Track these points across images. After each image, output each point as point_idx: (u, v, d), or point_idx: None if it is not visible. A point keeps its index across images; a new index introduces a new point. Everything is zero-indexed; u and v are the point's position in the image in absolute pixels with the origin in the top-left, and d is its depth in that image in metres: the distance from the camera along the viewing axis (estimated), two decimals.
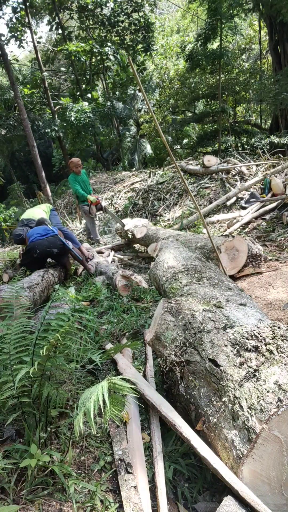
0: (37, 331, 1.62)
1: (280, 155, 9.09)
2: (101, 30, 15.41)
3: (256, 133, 14.18)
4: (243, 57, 17.01)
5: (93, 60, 16.06)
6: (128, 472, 1.50)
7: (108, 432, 1.78)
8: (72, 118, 12.78)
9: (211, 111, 15.82)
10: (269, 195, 6.68)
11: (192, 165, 9.58)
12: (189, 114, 18.92)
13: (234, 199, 7.21)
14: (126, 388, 1.27)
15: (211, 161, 8.63)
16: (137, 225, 6.08)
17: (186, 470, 1.59)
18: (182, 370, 1.74)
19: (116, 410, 1.33)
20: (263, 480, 1.23)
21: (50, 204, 6.17)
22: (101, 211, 7.02)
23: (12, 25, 14.49)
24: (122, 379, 1.27)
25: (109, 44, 14.94)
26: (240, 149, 11.56)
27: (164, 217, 8.30)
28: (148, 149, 18.71)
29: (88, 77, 16.74)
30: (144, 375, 2.24)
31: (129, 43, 15.32)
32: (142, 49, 15.26)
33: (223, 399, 1.42)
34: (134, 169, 15.26)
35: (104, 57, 15.27)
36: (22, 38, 14.90)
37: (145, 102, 15.44)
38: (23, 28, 14.66)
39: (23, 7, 13.79)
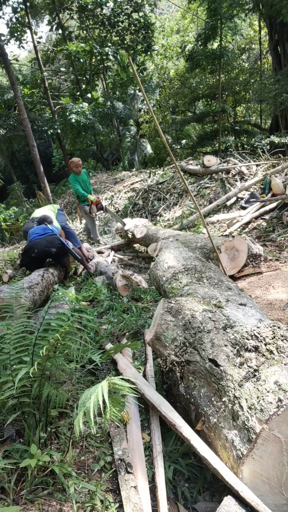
0: (37, 331, 1.62)
1: (280, 155, 9.09)
2: (101, 30, 15.42)
3: (256, 133, 14.18)
4: (243, 57, 16.96)
5: (93, 60, 16.06)
6: (128, 472, 1.50)
7: (108, 432, 1.78)
8: (73, 120, 12.78)
9: (211, 111, 15.82)
10: (269, 195, 6.68)
11: (192, 165, 9.58)
12: (189, 114, 18.90)
13: (234, 199, 7.21)
14: (126, 388, 1.27)
15: (211, 161, 8.63)
16: (137, 225, 6.08)
17: (186, 470, 1.59)
18: (182, 370, 1.74)
19: (116, 410, 1.33)
20: (263, 480, 1.23)
21: (57, 205, 6.18)
22: (102, 211, 7.02)
23: (12, 25, 14.48)
24: (122, 379, 1.27)
25: (109, 44, 14.94)
26: (240, 149, 11.54)
27: (164, 217, 8.30)
28: (148, 149, 18.70)
29: (88, 77, 16.73)
30: (144, 375, 2.24)
31: (129, 43, 15.32)
32: (142, 49, 15.27)
33: (223, 399, 1.41)
34: (134, 169, 15.24)
35: (104, 57, 15.27)
36: (22, 38, 14.90)
37: (145, 102, 15.43)
38: (23, 28, 14.65)
39: (23, 7, 13.77)
